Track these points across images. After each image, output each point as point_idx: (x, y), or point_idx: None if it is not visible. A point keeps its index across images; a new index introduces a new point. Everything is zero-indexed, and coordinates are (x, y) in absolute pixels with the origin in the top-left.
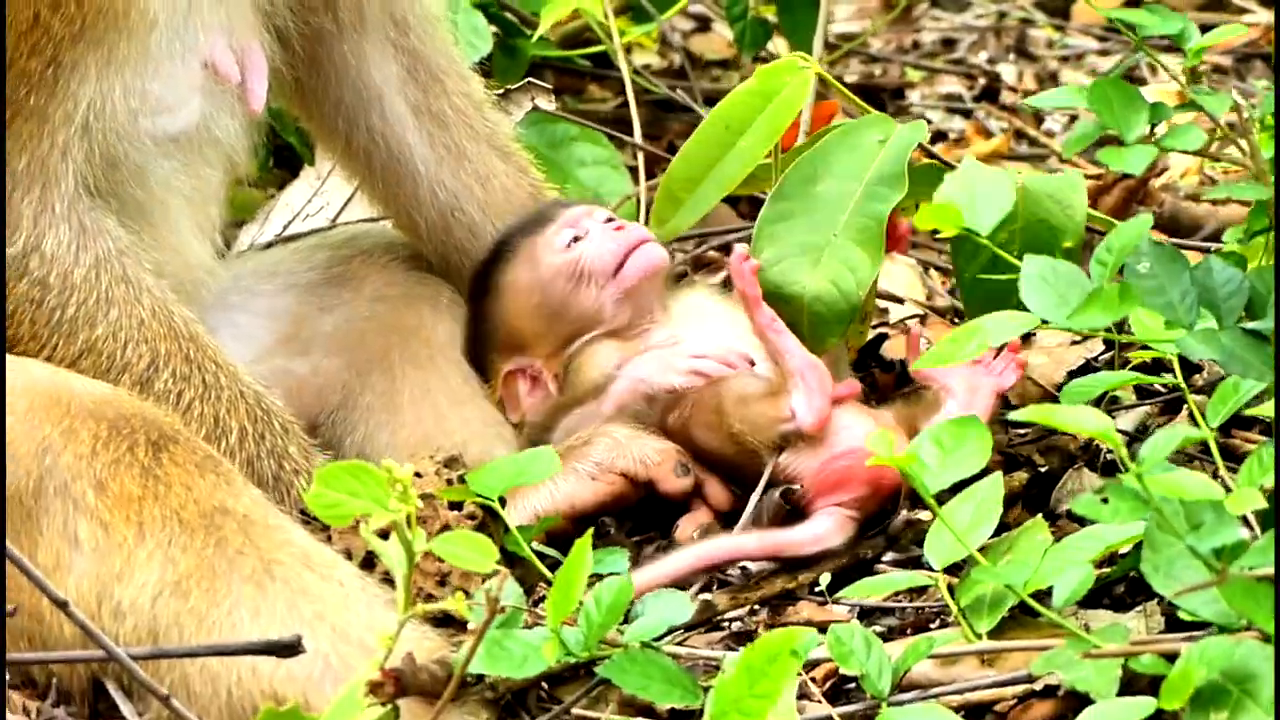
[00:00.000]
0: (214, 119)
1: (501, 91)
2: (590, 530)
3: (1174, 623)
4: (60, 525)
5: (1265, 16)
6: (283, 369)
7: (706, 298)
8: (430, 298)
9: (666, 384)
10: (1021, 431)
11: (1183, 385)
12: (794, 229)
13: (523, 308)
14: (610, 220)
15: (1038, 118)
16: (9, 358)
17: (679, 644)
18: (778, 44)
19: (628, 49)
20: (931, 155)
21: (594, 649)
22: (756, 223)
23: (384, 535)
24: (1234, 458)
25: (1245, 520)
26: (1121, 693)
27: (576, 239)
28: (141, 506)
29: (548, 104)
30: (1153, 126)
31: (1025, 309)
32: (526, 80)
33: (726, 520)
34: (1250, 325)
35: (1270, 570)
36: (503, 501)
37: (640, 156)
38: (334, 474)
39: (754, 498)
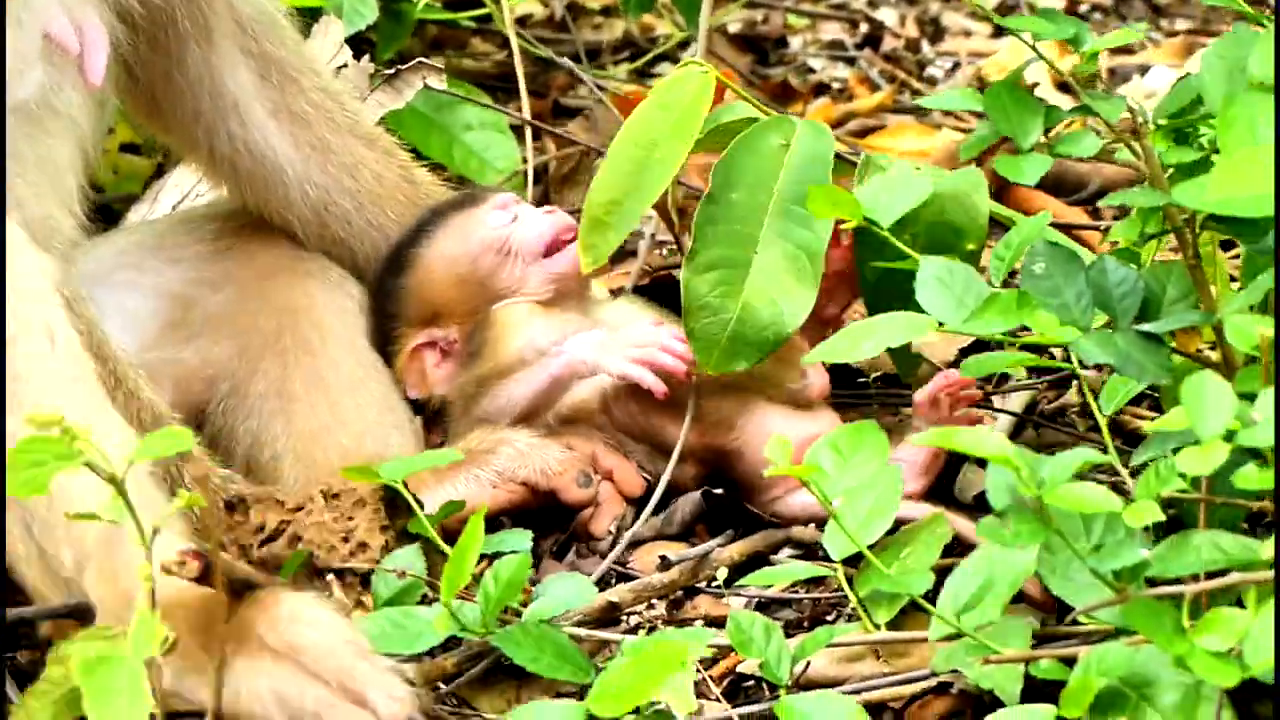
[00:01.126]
0: (56, 90)
1: (392, 72)
2: (484, 507)
3: (1064, 611)
4: None
5: None
6: (171, 358)
7: (629, 305)
8: (319, 273)
9: (615, 370)
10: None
11: (1079, 371)
12: (719, 236)
13: (443, 278)
14: (541, 206)
15: (920, 66)
16: None
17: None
18: None
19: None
20: (841, 158)
21: (491, 625)
22: (694, 221)
23: None
24: (1125, 434)
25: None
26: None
27: (509, 219)
28: None
29: (438, 82)
30: (1047, 131)
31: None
32: (417, 60)
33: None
34: (1144, 327)
35: (1171, 590)
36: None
37: (529, 134)
38: (16, 455)
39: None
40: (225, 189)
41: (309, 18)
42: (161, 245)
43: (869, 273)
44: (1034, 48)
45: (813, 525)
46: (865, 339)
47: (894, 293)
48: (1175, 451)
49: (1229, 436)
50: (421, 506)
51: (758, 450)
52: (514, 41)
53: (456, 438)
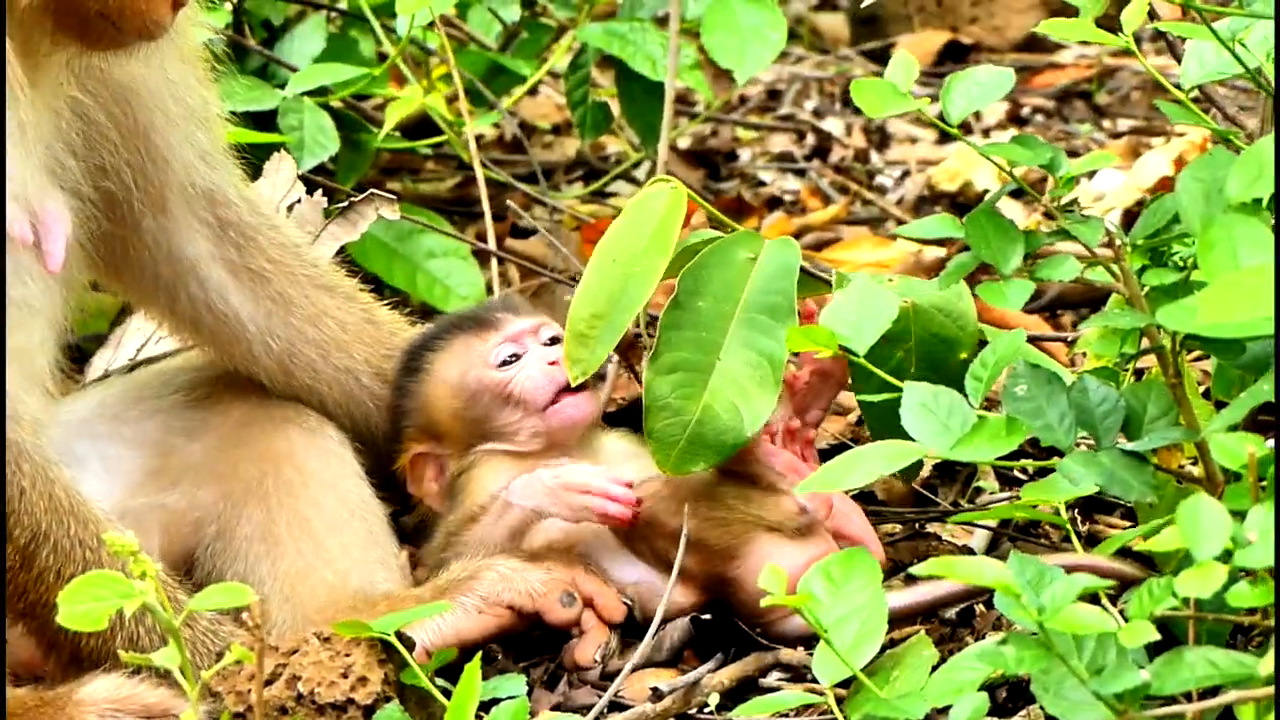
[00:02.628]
0: (16, 283)
1: (345, 204)
2: (479, 654)
3: None
4: None
5: (1079, 51)
6: (156, 504)
7: (620, 439)
8: (297, 420)
9: (566, 518)
10: (891, 532)
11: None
12: (683, 340)
13: (445, 404)
14: (553, 342)
15: (869, 175)
16: None
17: None
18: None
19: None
20: (806, 271)
21: None
22: (659, 324)
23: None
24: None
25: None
26: None
27: (515, 356)
28: None
29: (391, 213)
30: (1027, 256)
31: None
32: (370, 191)
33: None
34: (1128, 446)
35: (1171, 710)
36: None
37: (494, 262)
38: (78, 588)
39: (655, 622)
40: (191, 343)
41: (262, 154)
42: (141, 396)
43: (861, 395)
44: (1011, 174)
45: (801, 648)
46: (855, 469)
47: (894, 413)
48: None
49: (1224, 556)
50: (412, 647)
51: (757, 578)
52: (478, 170)
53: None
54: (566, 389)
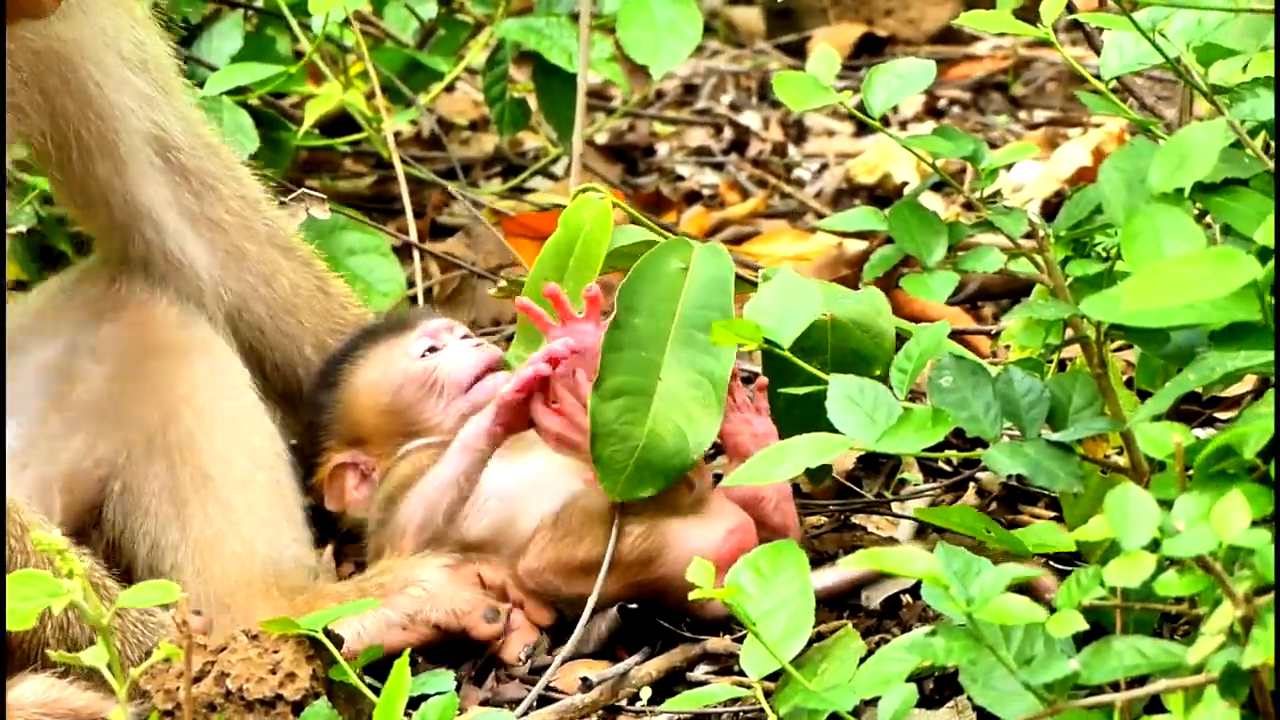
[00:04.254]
0: None
1: (279, 202)
2: (407, 651)
3: (985, 718)
4: None
5: (994, 43)
6: (57, 458)
7: None
8: (202, 349)
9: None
10: (818, 525)
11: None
12: (624, 363)
13: (369, 406)
14: (468, 337)
15: (787, 169)
16: None
17: None
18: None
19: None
20: (740, 278)
21: None
22: (601, 347)
23: None
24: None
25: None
26: None
27: (433, 349)
28: None
29: (322, 214)
30: (953, 249)
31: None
32: (302, 190)
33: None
34: (1054, 436)
35: (1101, 699)
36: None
37: (417, 257)
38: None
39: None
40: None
41: None
42: (43, 313)
43: (779, 398)
44: (934, 166)
45: (727, 637)
46: (781, 462)
47: (804, 415)
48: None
49: (1152, 546)
50: (341, 644)
51: (681, 572)
52: (398, 166)
53: (371, 555)
54: (491, 366)
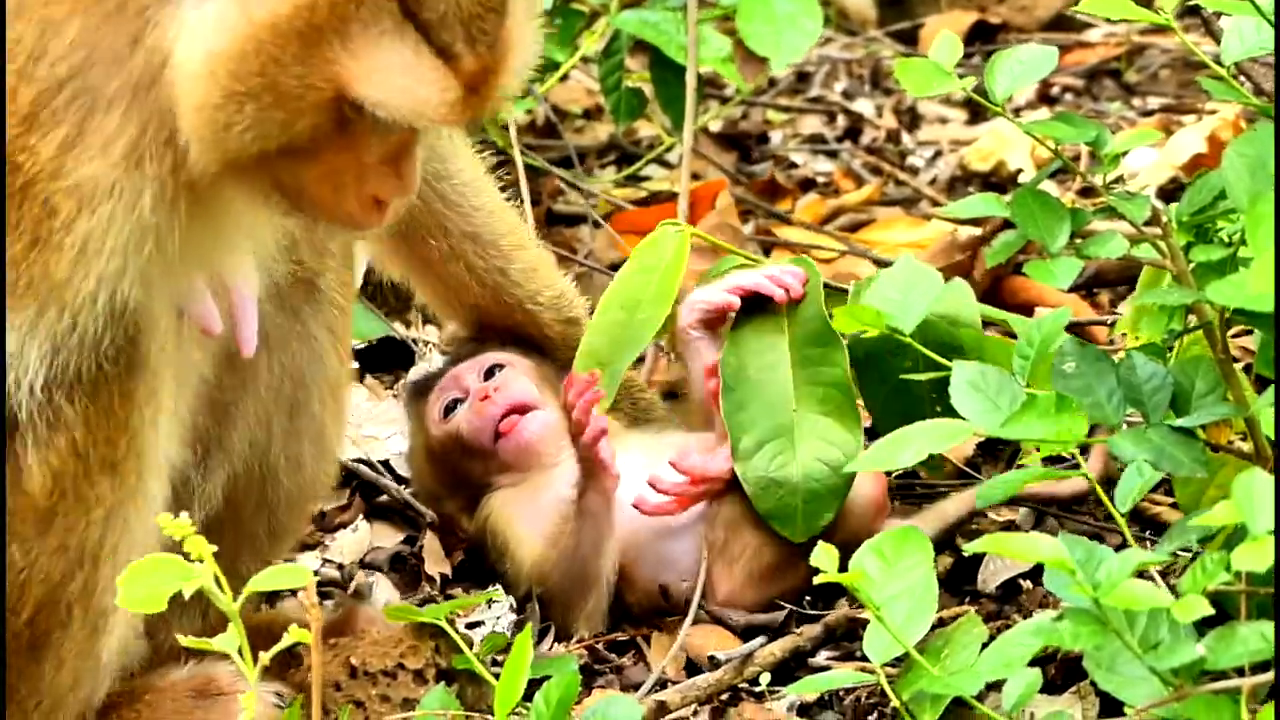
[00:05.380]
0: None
1: None
2: (529, 626)
3: (1109, 703)
4: None
5: (1107, 30)
6: None
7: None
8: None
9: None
10: None
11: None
12: (756, 417)
13: (424, 470)
14: (490, 373)
15: (901, 156)
16: None
17: None
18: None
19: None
20: (830, 286)
21: None
22: (722, 415)
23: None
24: (1143, 521)
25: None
26: None
27: (456, 401)
28: None
29: None
30: (1074, 235)
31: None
32: None
33: None
34: (1178, 422)
35: (1228, 685)
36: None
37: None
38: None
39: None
40: None
41: None
42: None
43: (875, 391)
44: (1056, 152)
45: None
46: (905, 448)
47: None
48: (1200, 541)
49: (1277, 531)
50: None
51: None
52: (516, 155)
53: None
54: (508, 413)
